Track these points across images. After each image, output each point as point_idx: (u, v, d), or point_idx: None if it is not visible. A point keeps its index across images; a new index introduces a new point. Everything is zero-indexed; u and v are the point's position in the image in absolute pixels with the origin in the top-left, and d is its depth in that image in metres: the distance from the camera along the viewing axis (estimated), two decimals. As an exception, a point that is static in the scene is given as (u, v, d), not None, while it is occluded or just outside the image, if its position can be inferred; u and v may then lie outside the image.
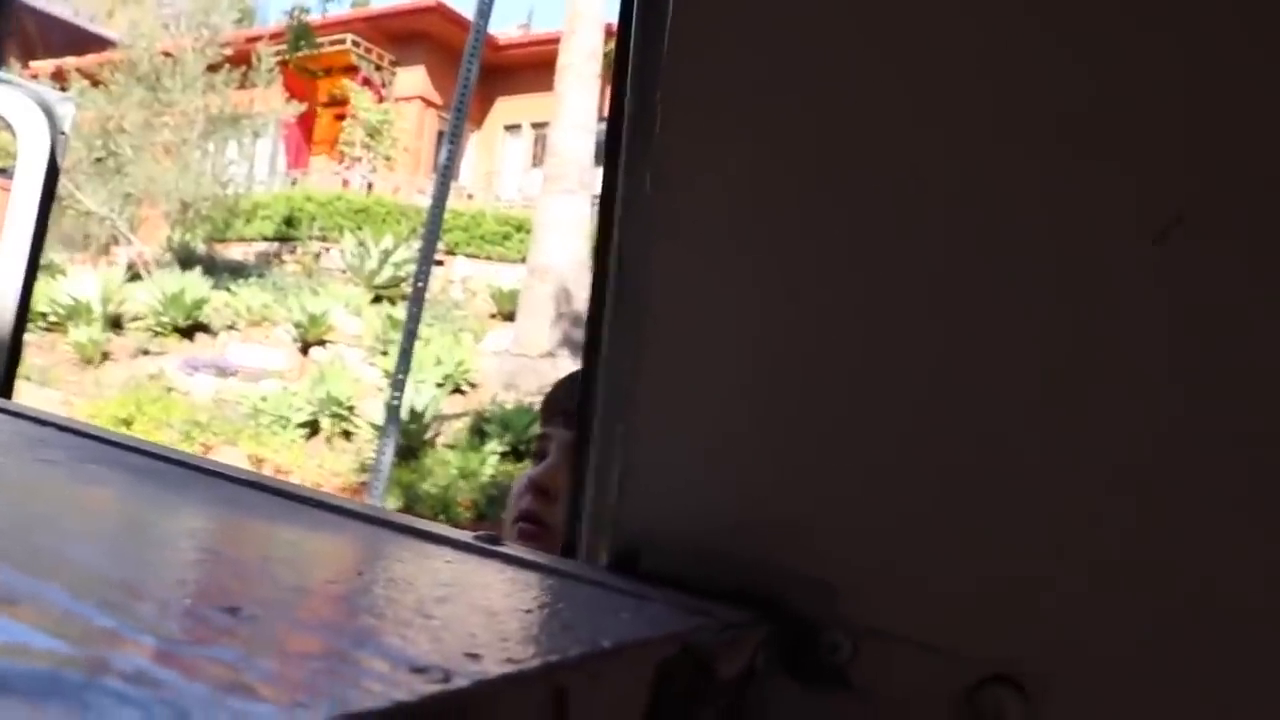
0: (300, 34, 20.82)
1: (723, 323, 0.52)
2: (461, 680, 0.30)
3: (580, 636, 0.38)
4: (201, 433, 10.63)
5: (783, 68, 0.51)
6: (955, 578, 0.46)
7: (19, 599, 0.31)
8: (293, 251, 17.79)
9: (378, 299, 14.61)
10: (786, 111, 0.51)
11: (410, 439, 10.12)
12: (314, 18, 22.10)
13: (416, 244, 11.50)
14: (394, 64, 22.07)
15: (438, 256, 12.77)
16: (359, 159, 20.28)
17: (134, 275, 15.15)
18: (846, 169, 0.49)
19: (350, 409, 11.02)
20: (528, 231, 15.36)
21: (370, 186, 19.52)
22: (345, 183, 19.64)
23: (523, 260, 14.84)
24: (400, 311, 11.59)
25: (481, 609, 0.42)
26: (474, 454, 10.09)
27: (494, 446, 10.22)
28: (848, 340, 0.49)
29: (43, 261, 2.39)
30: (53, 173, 2.24)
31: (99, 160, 17.64)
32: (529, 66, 20.40)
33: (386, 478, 6.12)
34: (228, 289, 14.45)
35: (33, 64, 21.78)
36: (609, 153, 0.59)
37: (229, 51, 18.53)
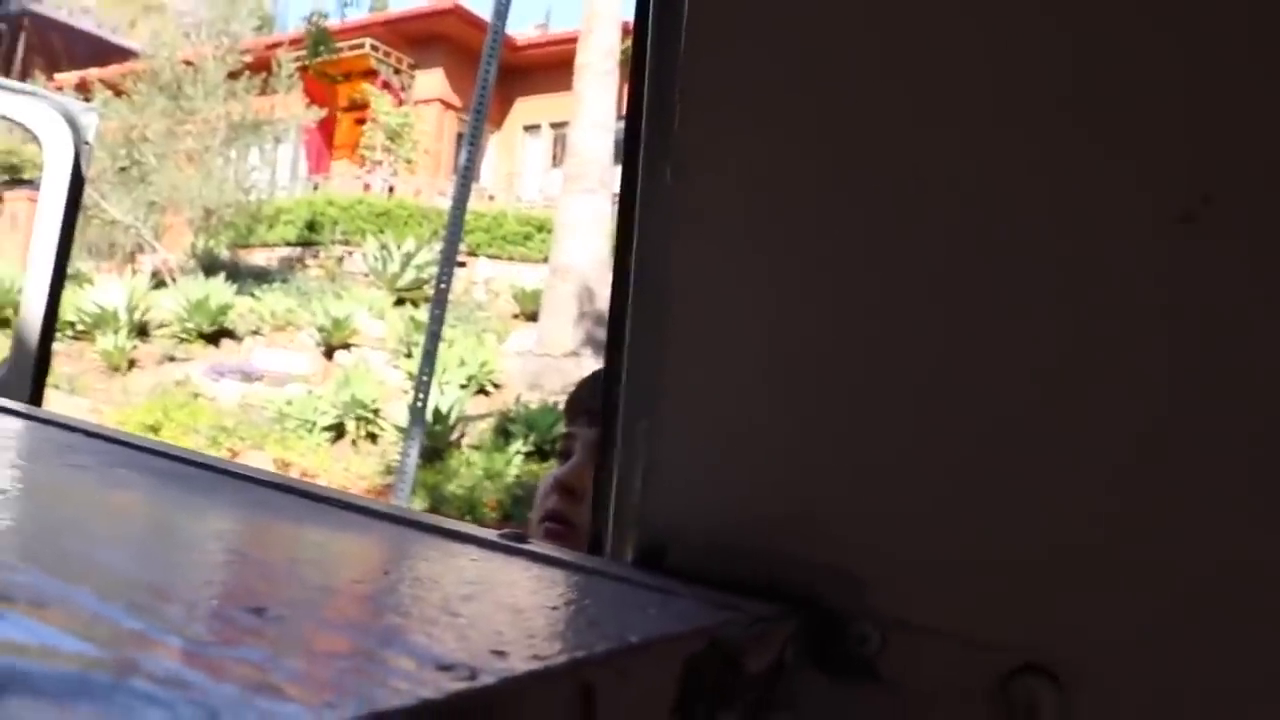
0: (319, 39, 20.95)
1: (743, 317, 0.52)
2: (488, 678, 0.29)
3: (607, 633, 0.38)
4: (228, 438, 10.70)
5: (799, 62, 0.50)
6: (982, 566, 0.46)
7: (48, 602, 0.31)
8: (315, 256, 17.90)
9: (400, 301, 14.68)
10: (803, 106, 0.50)
11: (435, 440, 10.16)
12: (332, 23, 22.25)
13: (438, 246, 11.51)
14: (413, 67, 22.15)
15: (460, 258, 12.79)
16: (380, 162, 20.37)
17: (159, 283, 15.28)
18: (863, 164, 0.49)
19: (375, 412, 11.07)
20: (549, 231, 15.39)
21: (391, 190, 19.60)
22: (366, 186, 19.72)
23: (545, 260, 14.87)
24: (423, 314, 11.62)
25: (507, 606, 0.42)
26: (499, 454, 10.12)
27: (519, 447, 10.24)
28: (866, 332, 0.49)
29: (70, 271, 2.41)
30: (78, 182, 2.26)
31: (123, 169, 17.81)
32: (547, 66, 20.45)
33: (412, 479, 6.15)
34: (252, 294, 14.55)
35: (57, 76, 22.05)
36: (628, 150, 0.59)
37: (249, 58, 18.68)
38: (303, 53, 20.13)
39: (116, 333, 13.11)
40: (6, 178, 20.10)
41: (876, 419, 0.48)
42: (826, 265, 0.50)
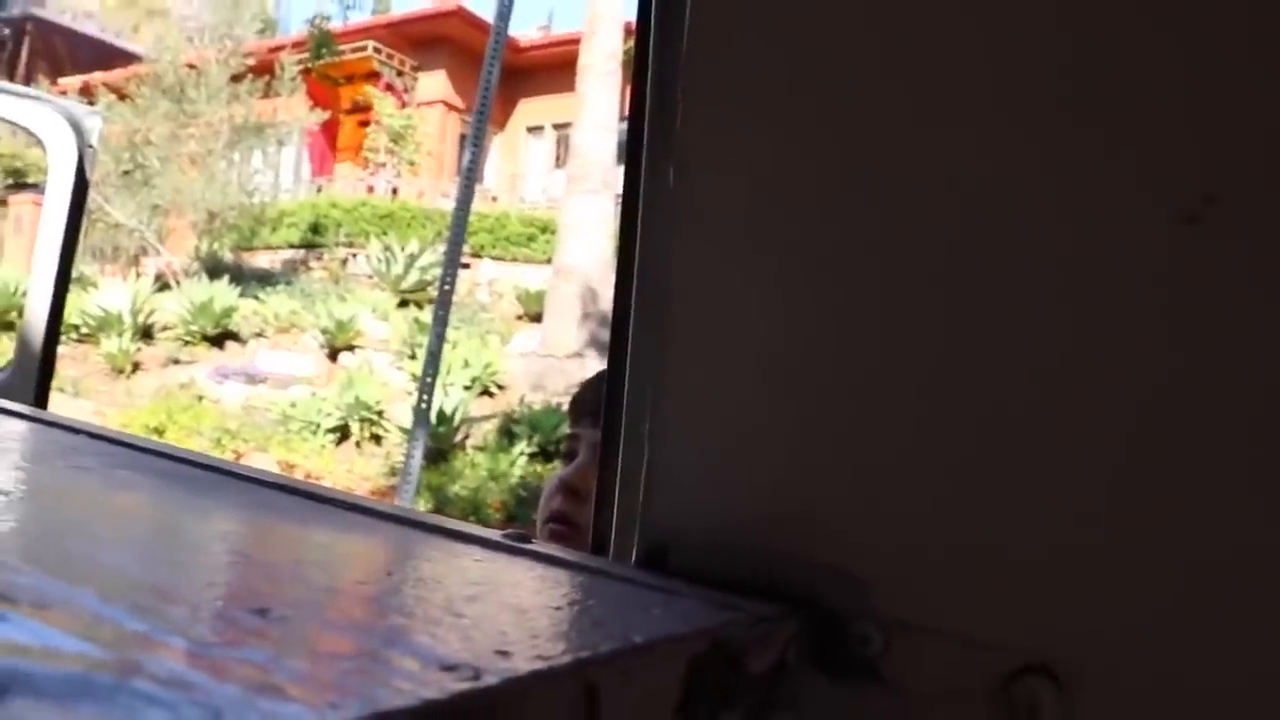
0: (322, 42, 20.96)
1: (744, 318, 0.52)
2: (491, 678, 0.30)
3: (611, 633, 0.38)
4: (232, 440, 10.70)
5: (800, 62, 0.50)
6: (983, 566, 0.46)
7: (51, 603, 0.31)
8: (319, 258, 17.91)
9: (404, 303, 14.68)
10: (804, 106, 0.50)
11: (439, 442, 10.16)
12: (335, 25, 22.25)
13: (442, 247, 11.53)
14: (415, 69, 22.16)
15: (463, 259, 12.80)
16: (383, 164, 20.38)
17: (163, 285, 15.29)
18: (864, 164, 0.49)
19: (379, 413, 11.07)
20: (552, 232, 15.40)
21: (395, 191, 19.61)
22: (370, 188, 19.73)
23: (548, 261, 14.87)
24: (427, 315, 11.63)
25: (511, 607, 0.42)
26: (503, 456, 10.12)
27: (523, 448, 10.23)
28: (867, 332, 0.49)
29: (74, 274, 2.41)
30: (82, 186, 2.26)
31: (127, 173, 17.84)
32: (550, 68, 20.46)
33: (416, 481, 6.15)
34: (255, 297, 14.56)
35: (61, 80, 22.08)
36: (630, 150, 0.59)
37: (252, 62, 18.72)
38: (305, 55, 20.14)
39: (120, 335, 13.12)
40: (11, 181, 20.14)
41: (877, 419, 0.48)
42: (827, 265, 0.50)
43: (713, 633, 0.41)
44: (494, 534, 0.55)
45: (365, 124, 21.31)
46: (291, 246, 18.46)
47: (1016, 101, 0.46)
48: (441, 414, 10.21)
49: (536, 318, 14.11)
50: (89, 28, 27.23)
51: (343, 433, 11.09)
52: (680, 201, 0.53)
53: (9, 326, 12.91)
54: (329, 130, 21.96)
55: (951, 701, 0.46)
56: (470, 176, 6.07)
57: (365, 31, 22.21)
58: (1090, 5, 0.44)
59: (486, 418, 11.33)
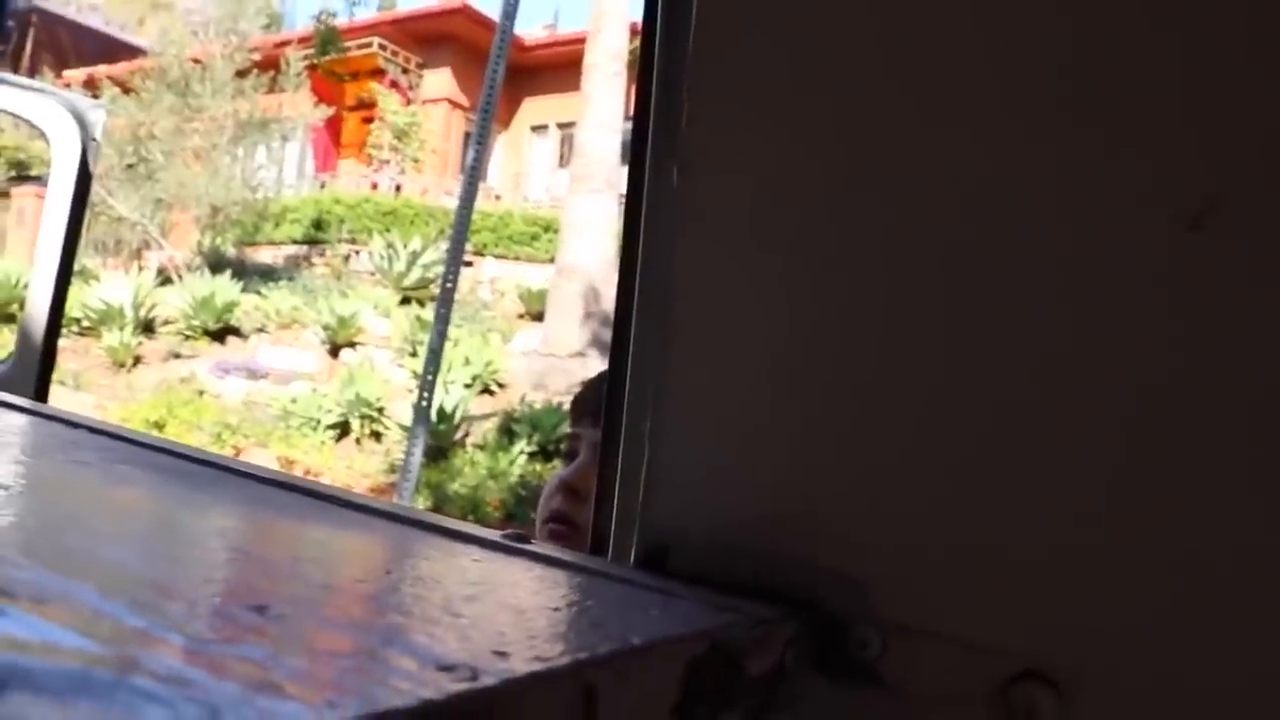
0: (327, 38, 20.98)
1: (747, 318, 0.52)
2: (489, 678, 0.29)
3: (609, 634, 0.38)
4: (232, 435, 10.70)
5: (805, 62, 0.50)
6: (984, 568, 0.46)
7: (50, 598, 0.31)
8: (321, 254, 17.92)
9: (406, 300, 14.68)
10: (809, 106, 0.50)
11: (439, 439, 10.16)
12: (341, 22, 22.27)
13: (444, 245, 11.53)
14: (421, 66, 22.17)
15: (466, 257, 12.81)
16: (387, 161, 20.39)
17: (165, 279, 15.29)
18: (867, 163, 0.49)
19: (380, 410, 11.07)
20: (555, 231, 15.40)
21: (398, 189, 19.62)
22: (373, 185, 19.74)
23: (551, 260, 14.87)
24: (429, 313, 11.64)
25: (509, 607, 0.42)
26: (503, 454, 10.11)
27: (523, 447, 10.23)
28: (871, 334, 0.49)
29: (76, 267, 2.42)
30: (85, 178, 2.26)
31: (130, 166, 17.84)
32: (555, 67, 20.46)
33: (415, 478, 6.15)
34: (257, 292, 14.56)
35: (66, 73, 22.10)
36: (634, 149, 0.59)
37: (257, 57, 18.71)
38: (311, 51, 20.14)
39: (122, 329, 13.12)
40: (14, 173, 20.15)
41: (879, 419, 0.48)
42: (830, 265, 0.50)
43: (711, 634, 0.41)
44: (493, 534, 0.55)
45: (369, 121, 21.32)
46: (294, 242, 18.46)
47: (1018, 101, 0.46)
48: (442, 412, 10.21)
49: (538, 316, 14.11)
50: (94, 20, 27.24)
51: (343, 429, 11.10)
52: (684, 200, 0.53)
53: (10, 319, 12.92)
54: (333, 126, 21.98)
55: (950, 705, 0.46)
56: (474, 174, 6.07)
57: (370, 28, 22.23)
58: (1091, 6, 0.44)
59: (487, 416, 11.33)
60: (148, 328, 13.65)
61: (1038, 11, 0.46)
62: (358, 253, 17.26)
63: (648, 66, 0.58)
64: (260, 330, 13.73)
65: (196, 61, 18.37)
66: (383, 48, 21.70)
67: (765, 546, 0.50)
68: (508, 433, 10.69)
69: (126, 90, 18.53)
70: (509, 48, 6.23)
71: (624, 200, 0.61)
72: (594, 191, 13.39)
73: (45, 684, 0.24)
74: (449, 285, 5.99)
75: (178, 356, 13.09)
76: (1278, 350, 0.41)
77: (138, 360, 12.99)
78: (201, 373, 12.47)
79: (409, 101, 21.43)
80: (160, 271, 15.82)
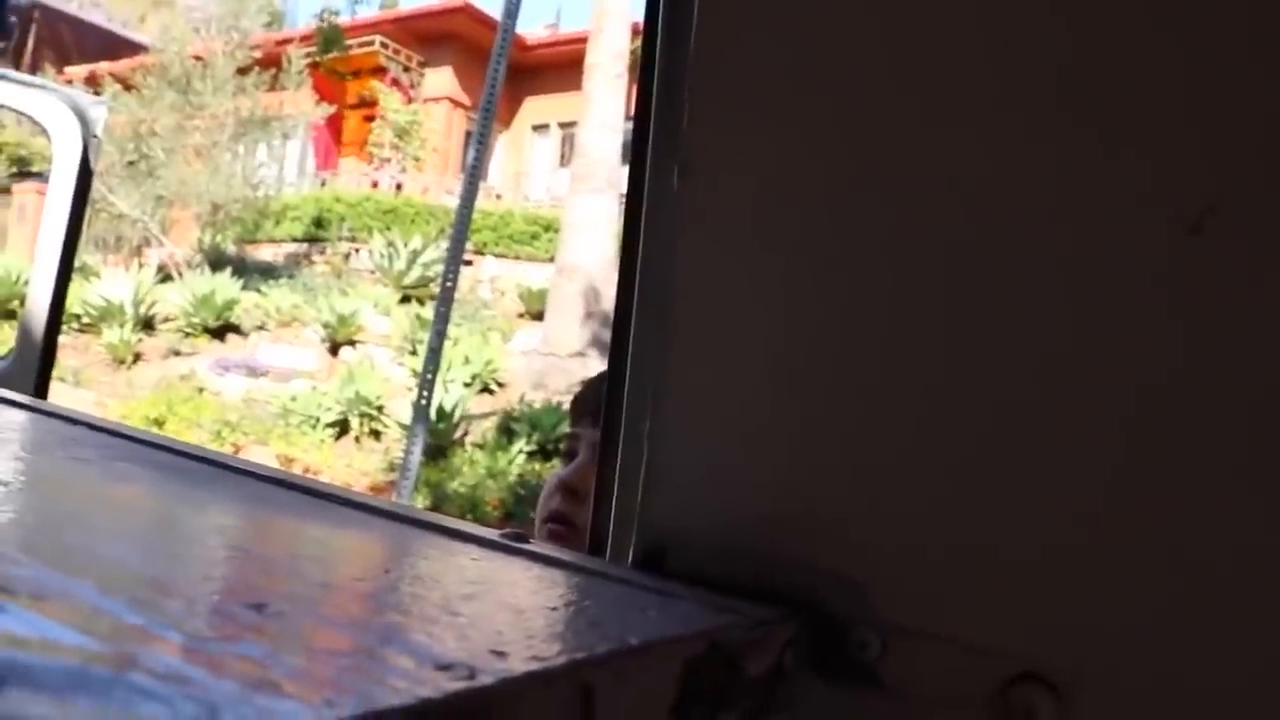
0: (329, 36, 20.98)
1: (747, 318, 0.52)
2: (487, 678, 0.29)
3: (607, 634, 0.38)
4: (232, 432, 10.70)
5: (808, 61, 0.50)
6: (983, 569, 0.46)
7: (49, 595, 0.31)
8: (322, 252, 17.92)
9: (406, 299, 14.68)
10: (810, 106, 0.50)
11: (439, 438, 10.16)
12: (343, 20, 22.27)
13: (445, 244, 11.52)
14: (422, 65, 22.17)
15: (466, 256, 12.81)
16: (388, 160, 20.39)
17: (165, 277, 15.29)
18: (868, 164, 0.49)
19: (379, 409, 11.07)
20: (556, 231, 15.39)
21: (399, 187, 19.62)
22: (374, 184, 19.74)
23: (551, 260, 14.87)
24: (428, 311, 11.63)
25: (508, 606, 0.42)
26: (502, 453, 10.11)
27: (522, 446, 10.23)
28: (871, 334, 0.49)
29: (76, 264, 2.41)
30: (85, 175, 2.26)
31: (131, 163, 17.84)
32: (556, 66, 20.46)
33: (415, 477, 6.15)
34: (258, 290, 14.56)
35: (67, 69, 22.09)
36: (635, 149, 0.59)
37: (259, 54, 18.71)
38: (312, 49, 20.13)
39: (122, 326, 13.12)
40: (15, 170, 20.15)
41: (879, 419, 0.48)
42: (830, 265, 0.50)
43: (710, 635, 0.41)
44: (491, 533, 0.55)
45: (370, 119, 21.32)
46: (294, 240, 18.46)
47: (1018, 101, 0.46)
48: (441, 410, 10.21)
49: (538, 316, 14.11)
50: (96, 17, 27.25)
51: (342, 427, 11.09)
52: (685, 200, 0.53)
53: (11, 315, 12.91)
54: (334, 125, 21.98)
55: (949, 707, 0.46)
56: (475, 173, 6.07)
57: (372, 26, 22.23)
58: (1091, 6, 0.44)
59: (486, 415, 11.33)
60: (148, 325, 13.66)
61: (1038, 12, 0.46)
62: (358, 251, 17.27)
63: (649, 66, 0.58)
64: (260, 328, 13.73)
65: (198, 59, 18.38)
66: (384, 46, 21.70)
67: (764, 547, 0.50)
68: (507, 432, 10.69)
69: (128, 87, 18.53)
70: (510, 47, 6.23)
71: (625, 200, 0.61)
72: (595, 191, 13.39)
73: (44, 680, 0.24)
74: (449, 284, 6.00)
75: (178, 354, 13.09)
76: (1276, 351, 0.41)
77: (138, 357, 12.99)
78: (201, 370, 12.47)
79: (410, 100, 21.43)
80: (160, 269, 15.82)
